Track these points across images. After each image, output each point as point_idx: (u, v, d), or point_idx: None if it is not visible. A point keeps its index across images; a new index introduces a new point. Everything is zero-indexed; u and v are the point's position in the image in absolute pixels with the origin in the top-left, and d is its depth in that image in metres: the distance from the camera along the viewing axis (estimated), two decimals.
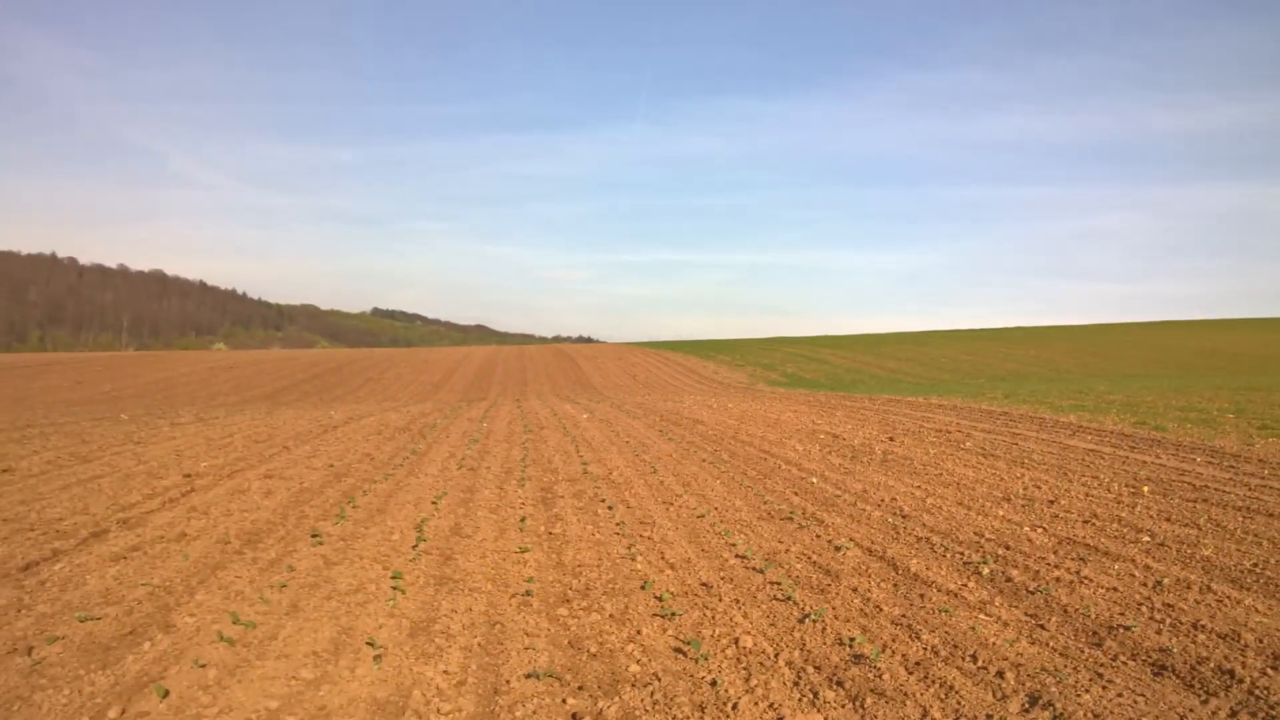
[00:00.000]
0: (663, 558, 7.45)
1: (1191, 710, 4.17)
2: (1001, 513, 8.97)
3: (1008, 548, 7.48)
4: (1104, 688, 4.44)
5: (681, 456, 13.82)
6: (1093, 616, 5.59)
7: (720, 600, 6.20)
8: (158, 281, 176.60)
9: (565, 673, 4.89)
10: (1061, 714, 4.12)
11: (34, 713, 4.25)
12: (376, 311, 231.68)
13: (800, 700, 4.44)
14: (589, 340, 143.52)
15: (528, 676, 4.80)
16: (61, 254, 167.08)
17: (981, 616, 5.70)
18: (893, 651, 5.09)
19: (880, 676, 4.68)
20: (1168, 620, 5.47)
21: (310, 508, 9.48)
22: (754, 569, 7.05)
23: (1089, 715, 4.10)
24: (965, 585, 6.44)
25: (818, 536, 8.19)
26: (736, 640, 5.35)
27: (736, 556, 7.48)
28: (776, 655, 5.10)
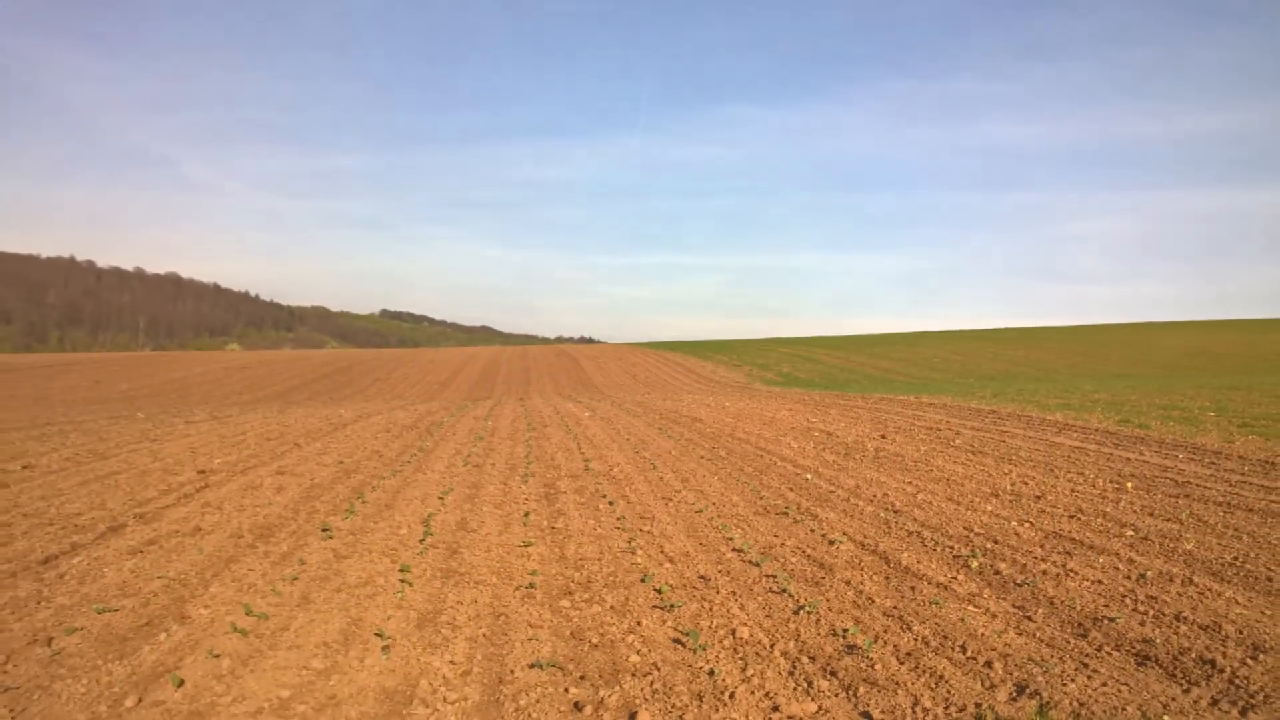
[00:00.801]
0: (662, 551, 7.58)
1: (1174, 699, 4.25)
2: (990, 508, 9.08)
3: (996, 542, 7.60)
4: (1089, 677, 4.53)
5: (680, 454, 13.96)
6: (1078, 608, 5.71)
7: (718, 593, 6.32)
8: (173, 284, 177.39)
9: (567, 663, 5.01)
10: (1048, 703, 4.20)
11: (53, 701, 4.36)
12: (385, 313, 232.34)
13: (795, 690, 4.55)
14: (590, 341, 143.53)
15: (531, 666, 4.92)
16: (80, 257, 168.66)
17: (970, 608, 5.82)
18: (885, 642, 5.20)
19: (873, 666, 4.80)
20: (1151, 612, 5.56)
21: (321, 503, 9.63)
22: (750, 562, 7.19)
23: (1074, 704, 4.18)
24: (955, 578, 6.56)
25: (812, 531, 8.32)
26: (733, 631, 5.47)
27: (733, 550, 7.62)
28: (772, 646, 5.21)
